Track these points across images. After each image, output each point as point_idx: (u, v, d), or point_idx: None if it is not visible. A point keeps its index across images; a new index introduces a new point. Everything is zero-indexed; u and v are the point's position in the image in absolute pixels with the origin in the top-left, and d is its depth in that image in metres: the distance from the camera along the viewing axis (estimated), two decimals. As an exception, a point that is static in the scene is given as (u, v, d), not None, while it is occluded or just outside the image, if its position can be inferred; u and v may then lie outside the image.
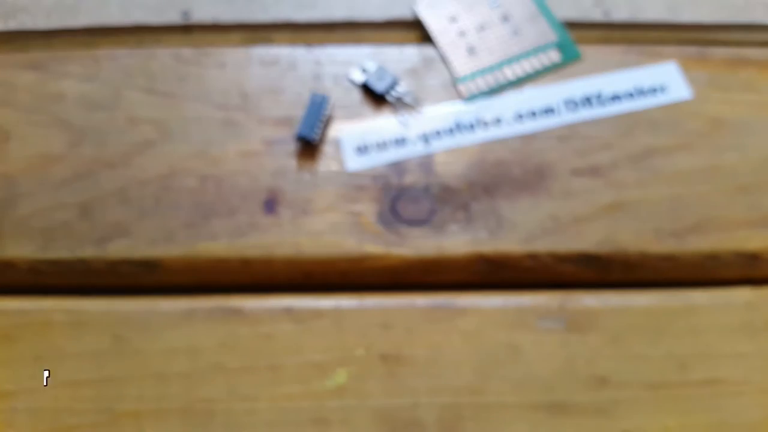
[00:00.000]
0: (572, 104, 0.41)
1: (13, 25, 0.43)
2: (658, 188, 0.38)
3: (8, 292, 0.37)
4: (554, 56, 0.42)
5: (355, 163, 0.39)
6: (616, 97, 0.41)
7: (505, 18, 0.43)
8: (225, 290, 0.37)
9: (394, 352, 0.35)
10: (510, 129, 0.40)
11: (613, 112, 0.40)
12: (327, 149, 0.40)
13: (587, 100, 0.41)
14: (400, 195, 0.38)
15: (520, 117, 0.40)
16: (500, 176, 0.39)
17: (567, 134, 0.40)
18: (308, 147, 0.40)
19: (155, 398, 0.34)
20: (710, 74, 0.41)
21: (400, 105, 0.41)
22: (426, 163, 0.39)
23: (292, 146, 0.40)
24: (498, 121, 0.40)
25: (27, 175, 0.39)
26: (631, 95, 0.41)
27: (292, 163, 0.39)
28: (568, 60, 0.42)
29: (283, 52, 0.42)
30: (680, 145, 0.40)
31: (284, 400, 0.34)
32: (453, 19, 0.43)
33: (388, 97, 0.41)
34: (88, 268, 0.37)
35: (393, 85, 0.41)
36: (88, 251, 0.37)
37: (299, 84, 0.41)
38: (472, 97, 0.41)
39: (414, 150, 0.40)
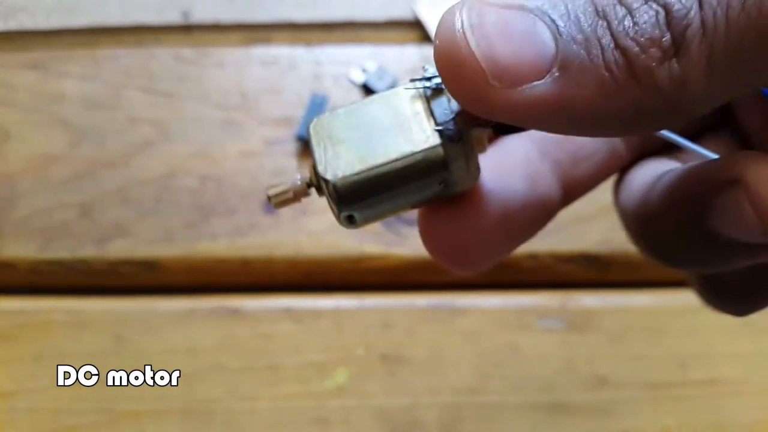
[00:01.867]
0: (572, 104, 0.41)
1: (13, 25, 0.43)
2: (658, 188, 0.38)
3: (8, 292, 0.37)
4: (554, 56, 0.42)
5: (355, 163, 0.39)
6: (616, 97, 0.41)
7: (505, 18, 0.43)
8: (225, 290, 0.37)
9: (394, 352, 0.35)
10: (510, 129, 0.40)
11: (613, 112, 0.40)
12: (327, 149, 0.39)
13: (587, 100, 0.41)
14: (400, 195, 0.38)
15: (520, 117, 0.40)
16: (500, 176, 0.39)
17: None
18: (308, 147, 0.39)
19: (155, 398, 0.34)
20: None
21: (400, 105, 0.41)
22: (426, 163, 0.39)
23: (292, 146, 0.40)
24: (498, 121, 0.40)
25: (27, 175, 0.39)
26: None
27: (292, 163, 0.39)
28: (568, 60, 0.42)
29: (283, 52, 0.42)
30: (680, 145, 0.40)
31: (284, 400, 0.34)
32: (453, 19, 0.43)
33: (388, 97, 0.41)
34: (88, 268, 0.37)
35: (393, 85, 0.41)
36: (88, 251, 0.37)
37: (299, 84, 0.41)
38: (472, 97, 0.41)
39: (414, 150, 0.39)
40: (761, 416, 0.34)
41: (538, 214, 0.20)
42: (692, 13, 0.13)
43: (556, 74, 0.14)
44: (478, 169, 0.17)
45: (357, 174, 0.16)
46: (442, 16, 0.15)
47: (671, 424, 0.34)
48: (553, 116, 0.14)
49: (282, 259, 0.37)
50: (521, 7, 0.14)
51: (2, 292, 0.37)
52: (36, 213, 0.38)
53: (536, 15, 0.14)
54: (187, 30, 0.43)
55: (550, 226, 0.39)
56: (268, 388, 0.35)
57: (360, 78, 0.41)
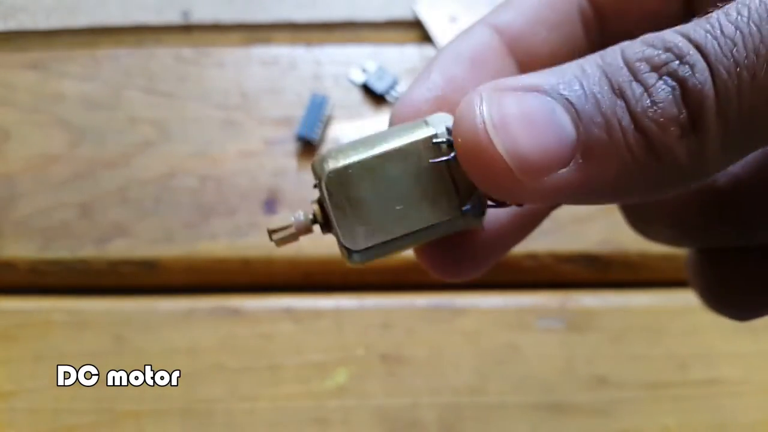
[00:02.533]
0: (572, 104, 0.41)
1: (13, 25, 0.43)
2: (658, 188, 0.38)
3: (8, 292, 0.37)
4: (554, 56, 0.42)
5: (355, 163, 0.39)
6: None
7: (505, 18, 0.43)
8: (225, 290, 0.37)
9: (394, 352, 0.35)
10: (510, 129, 0.40)
11: (613, 112, 0.40)
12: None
13: (587, 100, 0.41)
14: (400, 195, 0.38)
15: (520, 117, 0.40)
16: (500, 176, 0.39)
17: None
18: (308, 147, 0.39)
19: (155, 398, 0.34)
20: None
21: (400, 105, 0.41)
22: (426, 163, 0.39)
23: (292, 146, 0.40)
24: (498, 121, 0.40)
25: (27, 175, 0.39)
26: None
27: (292, 163, 0.39)
28: (568, 60, 0.42)
29: (283, 52, 0.42)
30: (680, 145, 0.40)
31: (284, 400, 0.34)
32: (453, 19, 0.43)
33: (388, 97, 0.41)
34: (88, 268, 0.37)
35: (393, 85, 0.41)
36: (88, 251, 0.37)
37: (299, 84, 0.41)
38: (472, 97, 0.41)
39: (414, 150, 0.39)
40: (761, 416, 0.34)
41: (530, 220, 0.20)
42: (707, 87, 0.13)
43: (580, 160, 0.14)
44: (484, 213, 0.17)
45: (379, 243, 0.16)
46: (461, 108, 0.14)
47: (671, 424, 0.34)
48: (575, 195, 0.14)
49: (282, 259, 0.37)
50: (538, 89, 0.14)
51: (2, 292, 0.37)
52: (36, 213, 0.38)
53: (554, 98, 0.14)
54: (187, 30, 0.43)
55: (550, 225, 0.39)
56: (268, 388, 0.35)
57: (360, 78, 0.41)
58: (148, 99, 0.41)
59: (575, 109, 0.14)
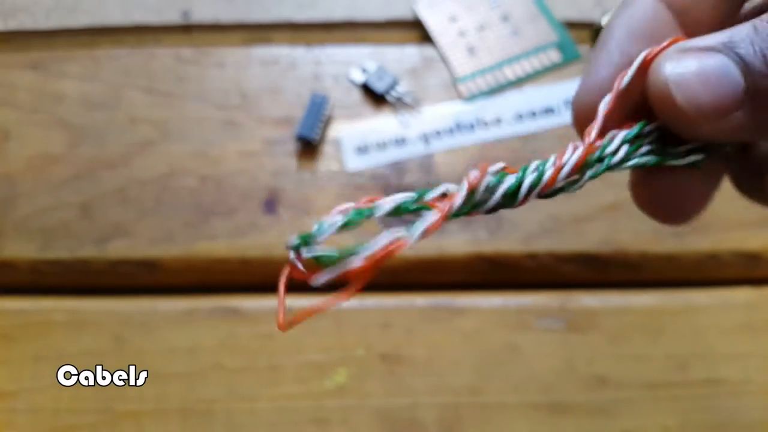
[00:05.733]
0: (572, 104, 0.41)
1: (13, 25, 0.43)
2: (658, 188, 0.38)
3: (8, 292, 0.37)
4: (554, 56, 0.42)
5: (355, 162, 0.39)
6: (616, 97, 0.41)
7: (505, 18, 0.43)
8: (225, 290, 0.37)
9: (394, 352, 0.35)
10: (510, 129, 0.40)
11: (613, 112, 0.40)
12: (327, 149, 0.40)
13: (587, 100, 0.41)
14: (400, 195, 0.38)
15: (520, 117, 0.40)
16: (500, 176, 0.39)
17: (567, 134, 0.40)
18: (308, 147, 0.39)
19: (155, 398, 0.34)
20: (710, 74, 0.41)
21: (400, 105, 0.41)
22: (426, 163, 0.39)
23: (292, 146, 0.40)
24: (498, 121, 0.40)
25: (27, 175, 0.39)
26: (631, 95, 0.41)
27: (292, 163, 0.39)
28: (568, 60, 0.42)
29: (283, 52, 0.42)
30: (680, 145, 0.40)
31: (284, 400, 0.34)
32: (453, 19, 0.43)
33: (388, 97, 0.41)
34: (88, 268, 0.37)
35: (393, 85, 0.41)
36: (88, 251, 0.37)
37: (299, 84, 0.41)
38: (472, 97, 0.41)
39: (414, 150, 0.40)
40: (762, 417, 0.34)
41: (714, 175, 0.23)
42: None
43: (751, 104, 0.17)
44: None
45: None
46: (652, 67, 0.18)
47: (671, 424, 0.34)
48: (750, 133, 0.18)
49: (282, 259, 0.37)
50: (713, 49, 0.17)
51: (2, 292, 0.37)
52: (36, 213, 0.38)
53: (727, 55, 0.17)
54: (187, 30, 0.43)
55: (550, 225, 0.39)
56: (268, 388, 0.35)
57: (360, 78, 0.41)
58: (148, 99, 0.41)
59: (745, 62, 0.17)
